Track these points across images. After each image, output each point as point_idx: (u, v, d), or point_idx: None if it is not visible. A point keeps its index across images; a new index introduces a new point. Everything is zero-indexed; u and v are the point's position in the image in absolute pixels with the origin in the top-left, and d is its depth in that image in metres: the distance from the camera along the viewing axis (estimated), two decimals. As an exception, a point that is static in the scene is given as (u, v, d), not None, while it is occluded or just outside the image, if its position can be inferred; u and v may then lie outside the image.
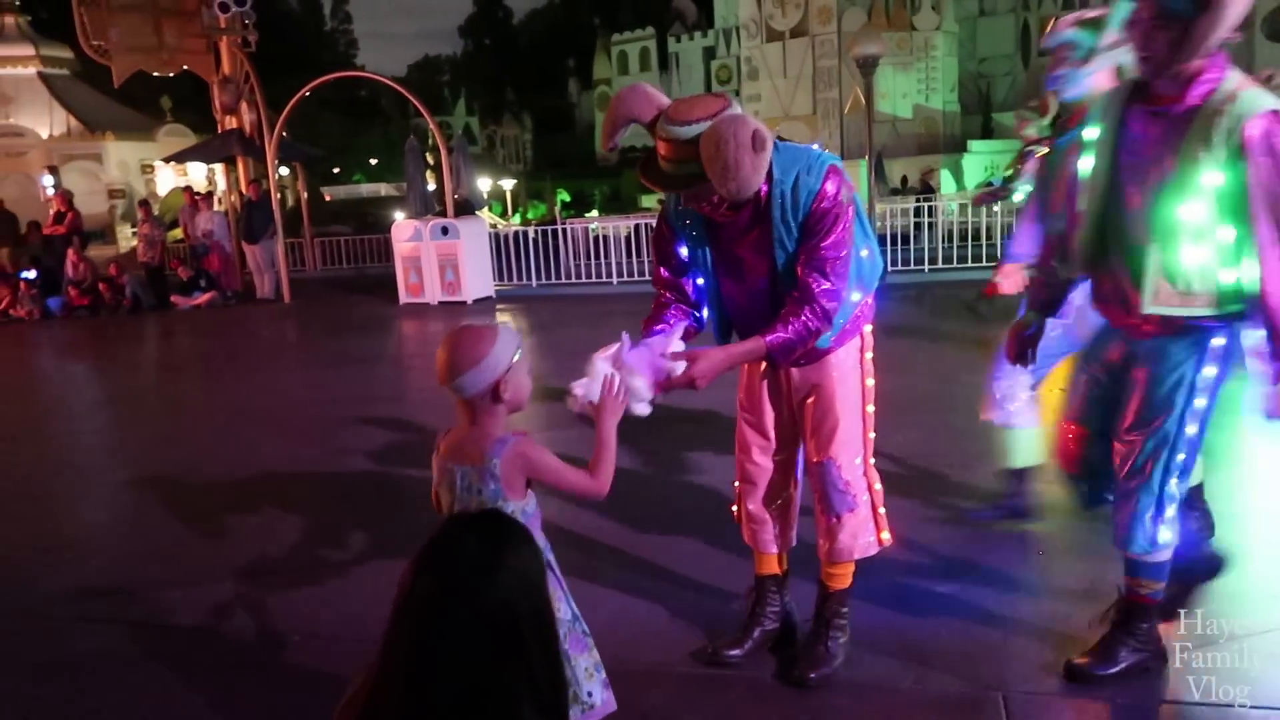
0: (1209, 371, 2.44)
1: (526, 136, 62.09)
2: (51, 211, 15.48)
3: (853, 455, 2.69)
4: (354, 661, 2.92)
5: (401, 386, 8.07)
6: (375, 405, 6.86)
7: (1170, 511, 2.53)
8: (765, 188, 2.42)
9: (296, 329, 12.46)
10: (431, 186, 18.08)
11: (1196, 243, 2.34)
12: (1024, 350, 2.83)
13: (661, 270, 2.72)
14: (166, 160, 20.04)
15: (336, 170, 48.93)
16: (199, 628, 3.41)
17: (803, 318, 2.45)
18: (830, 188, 2.42)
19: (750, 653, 2.88)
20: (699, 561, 3.62)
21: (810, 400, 2.69)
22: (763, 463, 2.83)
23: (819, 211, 2.43)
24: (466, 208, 15.79)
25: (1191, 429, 2.47)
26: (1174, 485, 2.51)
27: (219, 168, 18.55)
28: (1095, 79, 3.23)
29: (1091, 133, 2.51)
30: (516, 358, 1.99)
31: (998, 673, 2.75)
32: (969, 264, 12.40)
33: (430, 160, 20.08)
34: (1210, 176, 2.27)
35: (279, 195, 15.02)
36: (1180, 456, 2.48)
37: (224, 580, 3.80)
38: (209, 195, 17.23)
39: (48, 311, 13.98)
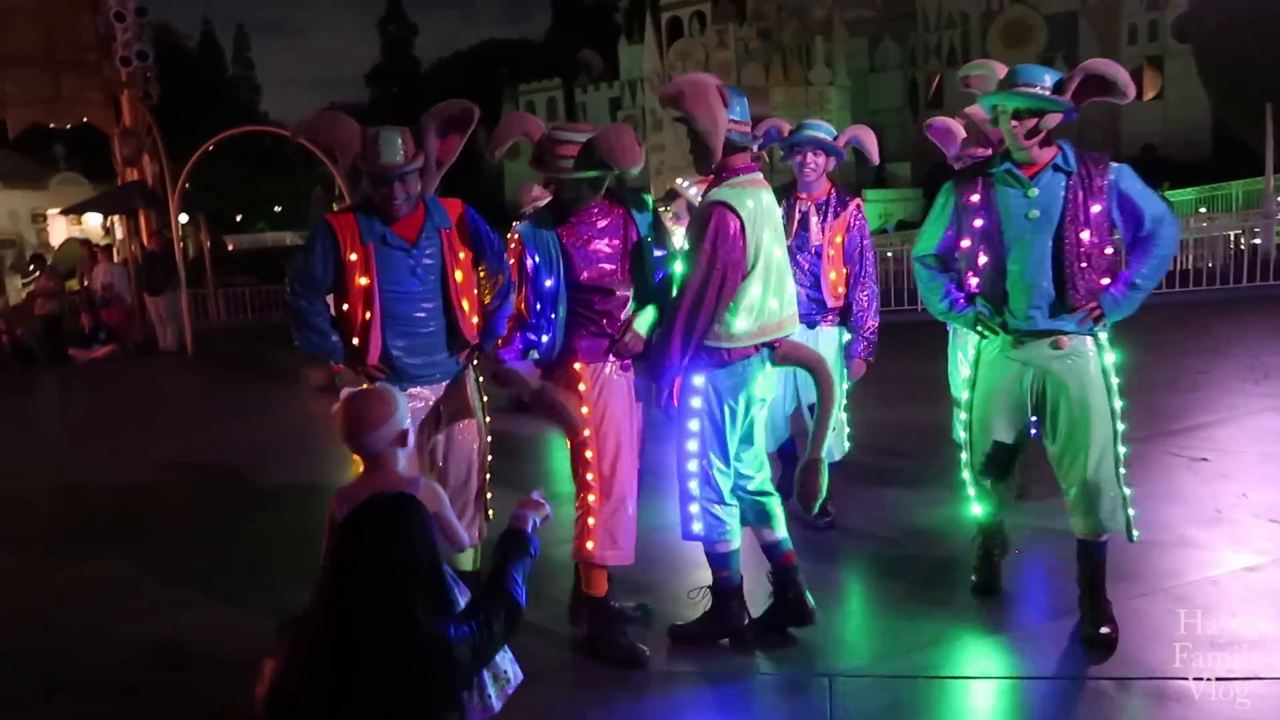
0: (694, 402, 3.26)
1: (434, 184, 62.17)
2: (-60, 264, 15.11)
3: None
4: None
5: (310, 435, 8.27)
6: (287, 454, 7.09)
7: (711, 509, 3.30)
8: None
9: (203, 380, 12.44)
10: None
11: None
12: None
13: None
14: (65, 212, 19.67)
15: (239, 218, 48.18)
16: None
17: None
18: None
19: None
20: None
21: None
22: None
23: None
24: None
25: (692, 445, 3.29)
26: (695, 486, 3.26)
27: (117, 218, 18.32)
28: None
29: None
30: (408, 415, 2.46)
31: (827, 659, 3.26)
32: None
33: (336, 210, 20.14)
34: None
35: (181, 245, 14.98)
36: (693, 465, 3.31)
37: (169, 619, 4.05)
38: (108, 247, 17.02)
39: (-67, 368, 13.64)
